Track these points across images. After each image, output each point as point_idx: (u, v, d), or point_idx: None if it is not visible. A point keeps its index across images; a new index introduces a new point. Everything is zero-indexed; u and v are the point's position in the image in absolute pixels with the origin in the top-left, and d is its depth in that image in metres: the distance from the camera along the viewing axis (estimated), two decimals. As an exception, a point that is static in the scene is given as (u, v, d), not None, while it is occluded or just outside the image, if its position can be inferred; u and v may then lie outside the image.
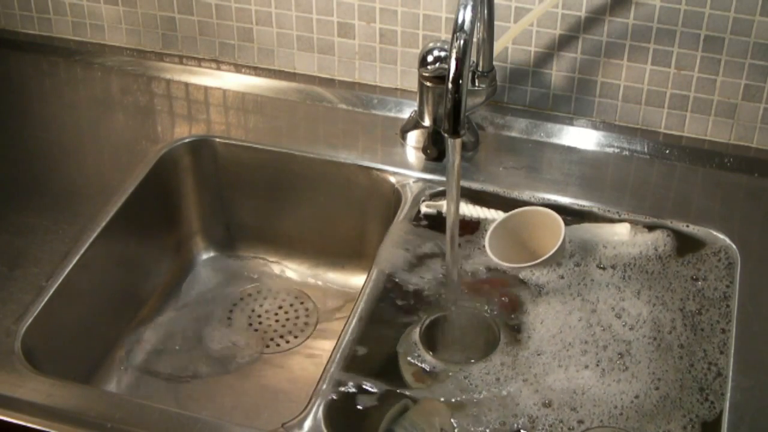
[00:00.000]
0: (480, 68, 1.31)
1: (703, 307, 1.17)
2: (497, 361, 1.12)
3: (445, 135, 1.06)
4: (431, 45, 1.30)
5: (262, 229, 1.44)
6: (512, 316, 1.17)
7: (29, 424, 1.01)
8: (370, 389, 1.09)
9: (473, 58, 1.29)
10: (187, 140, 1.39)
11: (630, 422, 1.06)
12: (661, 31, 1.32)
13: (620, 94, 1.38)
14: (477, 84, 1.31)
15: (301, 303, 1.40)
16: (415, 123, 1.37)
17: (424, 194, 1.30)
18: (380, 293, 1.17)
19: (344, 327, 1.12)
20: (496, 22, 1.29)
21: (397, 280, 1.20)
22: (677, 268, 1.21)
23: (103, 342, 1.29)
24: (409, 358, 1.14)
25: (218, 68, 1.52)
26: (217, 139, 1.39)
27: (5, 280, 1.17)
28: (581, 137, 1.39)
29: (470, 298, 1.20)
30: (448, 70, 1.03)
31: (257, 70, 1.52)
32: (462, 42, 1.03)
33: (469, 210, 1.27)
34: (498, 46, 1.33)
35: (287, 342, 1.35)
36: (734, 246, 1.22)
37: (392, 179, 1.33)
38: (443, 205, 1.26)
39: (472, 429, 1.05)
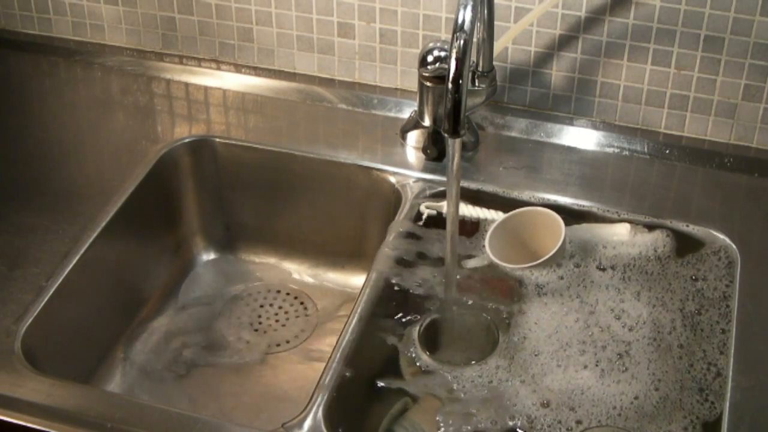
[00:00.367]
0: (480, 68, 1.31)
1: (703, 308, 1.17)
2: (496, 362, 1.12)
3: (445, 135, 1.06)
4: (431, 45, 1.30)
5: (262, 229, 1.44)
6: (512, 316, 1.17)
7: (29, 424, 1.01)
8: (370, 389, 1.09)
9: (473, 58, 1.29)
10: (187, 140, 1.39)
11: (630, 423, 1.06)
12: (661, 31, 1.32)
13: (620, 94, 1.38)
14: (477, 84, 1.31)
15: (301, 303, 1.40)
16: (415, 123, 1.38)
17: (424, 194, 1.30)
18: (380, 293, 1.17)
19: (344, 327, 1.12)
20: (496, 22, 1.29)
21: (396, 280, 1.20)
22: (677, 269, 1.21)
23: (103, 342, 1.29)
24: (408, 359, 1.14)
25: (218, 68, 1.52)
26: (217, 139, 1.39)
27: (5, 280, 1.17)
28: (581, 137, 1.39)
29: (470, 299, 1.20)
30: (448, 70, 1.03)
31: (257, 70, 1.52)
32: (462, 42, 1.03)
33: (469, 210, 1.27)
34: (498, 46, 1.33)
35: (287, 342, 1.35)
36: (734, 246, 1.22)
37: (392, 179, 1.33)
38: (443, 205, 1.26)
39: (472, 429, 1.05)
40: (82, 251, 1.20)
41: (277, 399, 1.27)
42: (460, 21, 1.04)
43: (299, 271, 1.44)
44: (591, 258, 1.22)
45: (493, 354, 1.13)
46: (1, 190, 1.30)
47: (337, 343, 1.11)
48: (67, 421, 1.02)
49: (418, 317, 1.18)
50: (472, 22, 1.04)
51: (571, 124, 1.41)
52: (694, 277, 1.20)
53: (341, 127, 1.42)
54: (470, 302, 1.20)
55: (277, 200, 1.41)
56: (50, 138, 1.41)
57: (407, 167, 1.34)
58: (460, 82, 1.03)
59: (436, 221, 1.26)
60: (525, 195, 1.29)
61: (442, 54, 1.29)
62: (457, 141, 1.08)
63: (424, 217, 1.27)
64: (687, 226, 1.24)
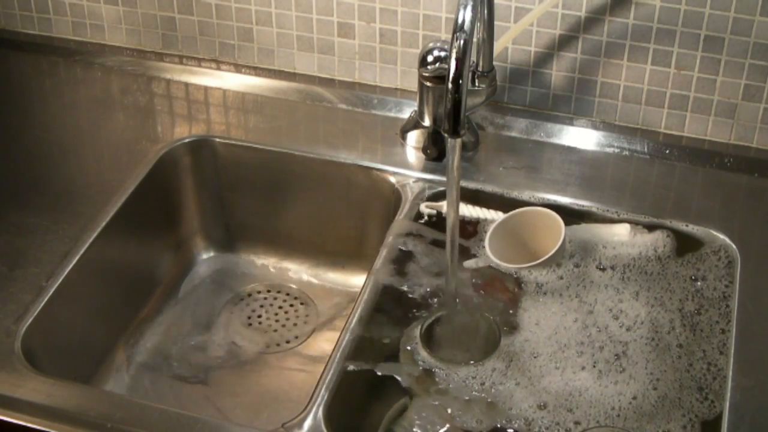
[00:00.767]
0: (480, 68, 1.31)
1: (702, 307, 1.17)
2: (497, 362, 1.12)
3: (445, 135, 1.06)
4: (431, 45, 1.30)
5: (262, 229, 1.44)
6: (512, 316, 1.17)
7: (29, 424, 1.01)
8: (369, 389, 1.09)
9: (473, 58, 1.29)
10: (187, 140, 1.39)
11: (629, 423, 1.06)
12: (661, 31, 1.32)
13: (620, 94, 1.38)
14: (477, 84, 1.31)
15: (301, 303, 1.40)
16: (415, 123, 1.38)
17: (424, 194, 1.30)
18: (380, 293, 1.17)
19: (344, 327, 1.12)
20: (496, 22, 1.29)
21: (396, 280, 1.20)
22: (677, 269, 1.21)
23: (104, 342, 1.29)
24: (409, 359, 1.14)
25: (218, 68, 1.52)
26: (217, 139, 1.39)
27: (5, 280, 1.17)
28: (581, 137, 1.39)
29: (470, 299, 1.20)
30: (448, 70, 1.03)
31: (257, 70, 1.52)
32: (462, 42, 1.03)
33: (469, 210, 1.27)
34: (498, 46, 1.33)
35: (287, 342, 1.35)
36: (734, 246, 1.21)
37: (392, 179, 1.33)
38: (443, 205, 1.26)
39: (471, 429, 1.05)
40: (82, 251, 1.20)
41: (277, 399, 1.27)
42: (460, 21, 1.04)
43: (299, 271, 1.44)
44: (591, 258, 1.22)
45: (493, 354, 1.13)
46: (1, 190, 1.30)
47: (337, 343, 1.11)
48: (67, 421, 1.02)
49: (419, 317, 1.18)
50: (472, 22, 1.04)
51: (571, 124, 1.41)
52: (693, 277, 1.20)
53: (341, 127, 1.42)
54: (470, 302, 1.20)
55: (277, 200, 1.41)
56: (50, 138, 1.41)
57: (407, 167, 1.34)
58: (460, 82, 1.03)
59: (436, 221, 1.26)
60: (525, 195, 1.29)
61: (442, 54, 1.29)
62: (457, 141, 1.08)
63: (424, 217, 1.27)
64: (687, 225, 1.24)
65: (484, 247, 1.22)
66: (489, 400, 1.08)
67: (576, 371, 1.10)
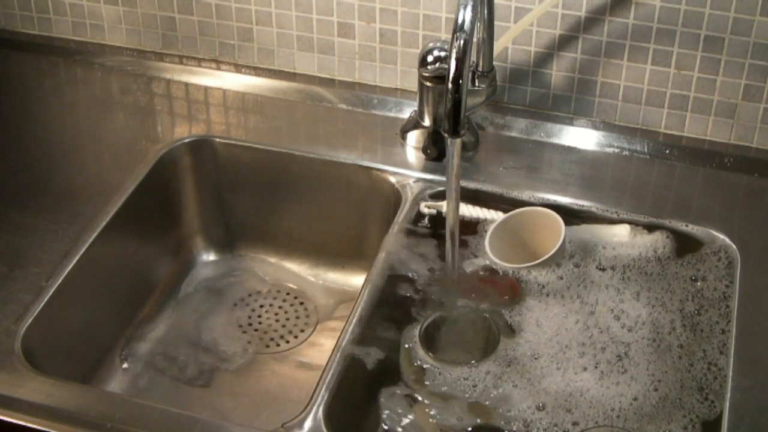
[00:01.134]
0: (480, 68, 1.31)
1: (703, 308, 1.17)
2: (496, 363, 1.12)
3: (445, 135, 1.06)
4: (431, 45, 1.30)
5: (262, 229, 1.44)
6: (512, 316, 1.17)
7: (29, 424, 1.01)
8: (369, 389, 1.09)
9: (473, 58, 1.29)
10: (187, 140, 1.39)
11: (629, 423, 1.06)
12: (661, 31, 1.32)
13: (620, 94, 1.38)
14: (477, 84, 1.31)
15: (301, 303, 1.40)
16: (415, 123, 1.38)
17: (424, 194, 1.30)
18: (380, 293, 1.17)
19: (344, 327, 1.12)
20: (496, 22, 1.29)
21: (396, 280, 1.20)
22: (676, 269, 1.21)
23: (103, 342, 1.29)
24: (409, 359, 1.14)
25: (218, 68, 1.52)
26: (217, 139, 1.39)
27: (5, 280, 1.17)
28: (581, 137, 1.39)
29: (470, 299, 1.20)
30: (448, 70, 1.03)
31: (257, 70, 1.52)
32: (462, 42, 1.03)
33: (469, 210, 1.27)
34: (498, 46, 1.33)
35: (287, 342, 1.35)
36: (734, 246, 1.21)
37: (392, 179, 1.33)
38: (443, 205, 1.26)
39: (471, 429, 1.05)
40: (82, 251, 1.20)
41: (277, 399, 1.27)
42: (460, 21, 1.04)
43: (299, 271, 1.44)
44: (591, 258, 1.22)
45: (493, 354, 1.13)
46: (1, 190, 1.30)
47: (337, 343, 1.11)
48: (67, 421, 1.02)
49: (419, 317, 1.18)
50: (472, 22, 1.04)
51: (571, 124, 1.41)
52: (693, 278, 1.20)
53: (341, 127, 1.42)
54: (470, 302, 1.20)
55: (277, 200, 1.41)
56: (50, 138, 1.41)
57: (407, 167, 1.34)
58: (460, 82, 1.03)
59: (436, 221, 1.26)
60: (525, 195, 1.29)
61: (442, 54, 1.29)
62: (457, 141, 1.08)
63: (424, 216, 1.27)
64: (687, 226, 1.24)
65: (484, 247, 1.22)
66: (486, 402, 1.08)
67: (578, 372, 1.10)
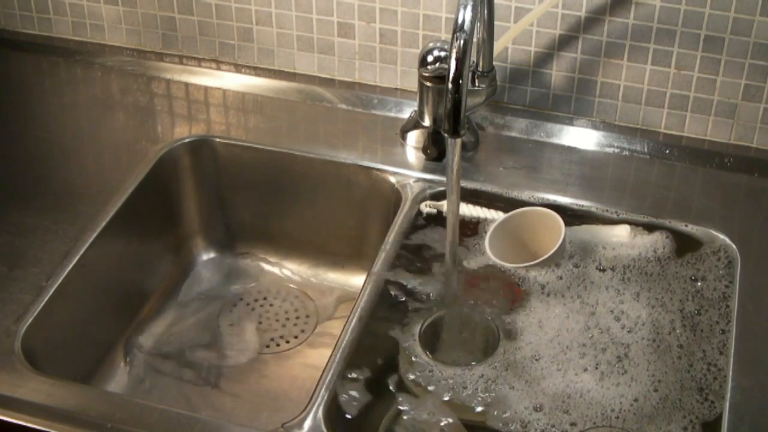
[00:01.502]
0: (480, 68, 1.31)
1: (702, 308, 1.17)
2: (497, 363, 1.12)
3: (445, 135, 1.06)
4: (431, 45, 1.30)
5: (262, 229, 1.44)
6: (512, 316, 1.17)
7: (29, 424, 1.01)
8: (369, 389, 1.09)
9: (473, 58, 1.29)
10: (187, 140, 1.39)
11: (629, 424, 1.06)
12: (661, 31, 1.32)
13: (620, 94, 1.38)
14: (477, 84, 1.31)
15: (301, 303, 1.40)
16: (415, 123, 1.38)
17: (424, 194, 1.30)
18: (380, 293, 1.17)
19: (344, 327, 1.12)
20: (496, 22, 1.29)
21: (396, 280, 1.20)
22: (676, 269, 1.21)
23: (103, 342, 1.29)
24: (408, 359, 1.14)
25: (218, 68, 1.52)
26: (217, 139, 1.39)
27: (5, 280, 1.17)
28: (581, 137, 1.39)
29: (470, 299, 1.20)
30: (448, 70, 1.03)
31: (257, 70, 1.52)
32: (462, 42, 1.03)
33: (469, 210, 1.27)
34: (498, 46, 1.33)
35: (287, 342, 1.35)
36: (734, 246, 1.21)
37: (392, 179, 1.33)
38: (443, 205, 1.26)
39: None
40: (82, 251, 1.20)
41: (277, 399, 1.27)
42: (460, 21, 1.04)
43: (299, 271, 1.44)
44: (590, 258, 1.22)
45: (493, 355, 1.13)
46: (1, 190, 1.30)
47: (337, 343, 1.11)
48: (67, 421, 1.02)
49: (419, 317, 1.18)
50: (472, 22, 1.04)
51: (571, 124, 1.41)
52: (693, 278, 1.20)
53: (341, 127, 1.42)
54: (470, 302, 1.20)
55: (277, 200, 1.41)
56: (50, 138, 1.41)
57: (407, 167, 1.34)
58: (460, 82, 1.03)
59: (436, 221, 1.26)
60: (525, 195, 1.29)
61: (442, 54, 1.29)
62: (457, 141, 1.08)
63: (424, 216, 1.27)
64: (687, 226, 1.24)
65: (484, 247, 1.22)
66: (495, 400, 1.08)
67: (578, 373, 1.10)
